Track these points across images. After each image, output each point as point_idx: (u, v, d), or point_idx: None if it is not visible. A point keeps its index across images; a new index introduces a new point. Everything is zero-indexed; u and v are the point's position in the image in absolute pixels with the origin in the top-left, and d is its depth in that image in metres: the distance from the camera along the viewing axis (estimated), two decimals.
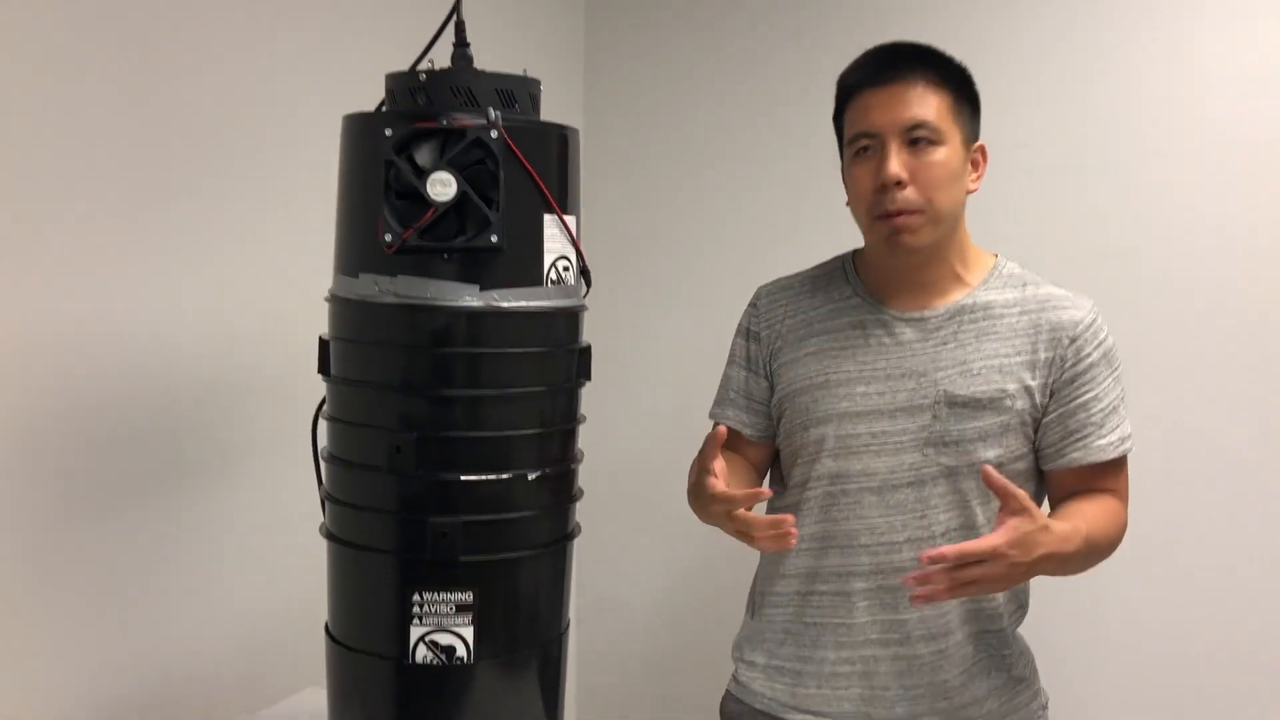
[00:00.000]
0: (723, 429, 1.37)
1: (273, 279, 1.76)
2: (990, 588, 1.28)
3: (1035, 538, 1.25)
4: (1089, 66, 2.12)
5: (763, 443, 1.60)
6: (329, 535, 1.25)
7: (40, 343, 1.44)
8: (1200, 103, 2.04)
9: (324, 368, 1.25)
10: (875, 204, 1.41)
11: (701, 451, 1.39)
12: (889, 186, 1.39)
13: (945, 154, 1.40)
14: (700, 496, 1.36)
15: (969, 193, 1.46)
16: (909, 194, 1.39)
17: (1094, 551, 1.40)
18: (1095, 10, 2.11)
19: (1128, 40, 2.09)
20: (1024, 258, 1.54)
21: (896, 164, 1.38)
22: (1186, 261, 2.06)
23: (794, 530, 1.29)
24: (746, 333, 1.61)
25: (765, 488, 1.55)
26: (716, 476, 1.32)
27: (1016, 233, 2.07)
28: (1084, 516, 1.39)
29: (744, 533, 1.33)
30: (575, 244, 1.23)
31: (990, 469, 1.27)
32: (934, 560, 1.23)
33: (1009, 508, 1.26)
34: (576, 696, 2.68)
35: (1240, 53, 2.00)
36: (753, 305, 1.63)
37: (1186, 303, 2.06)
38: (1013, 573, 1.26)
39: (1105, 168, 2.11)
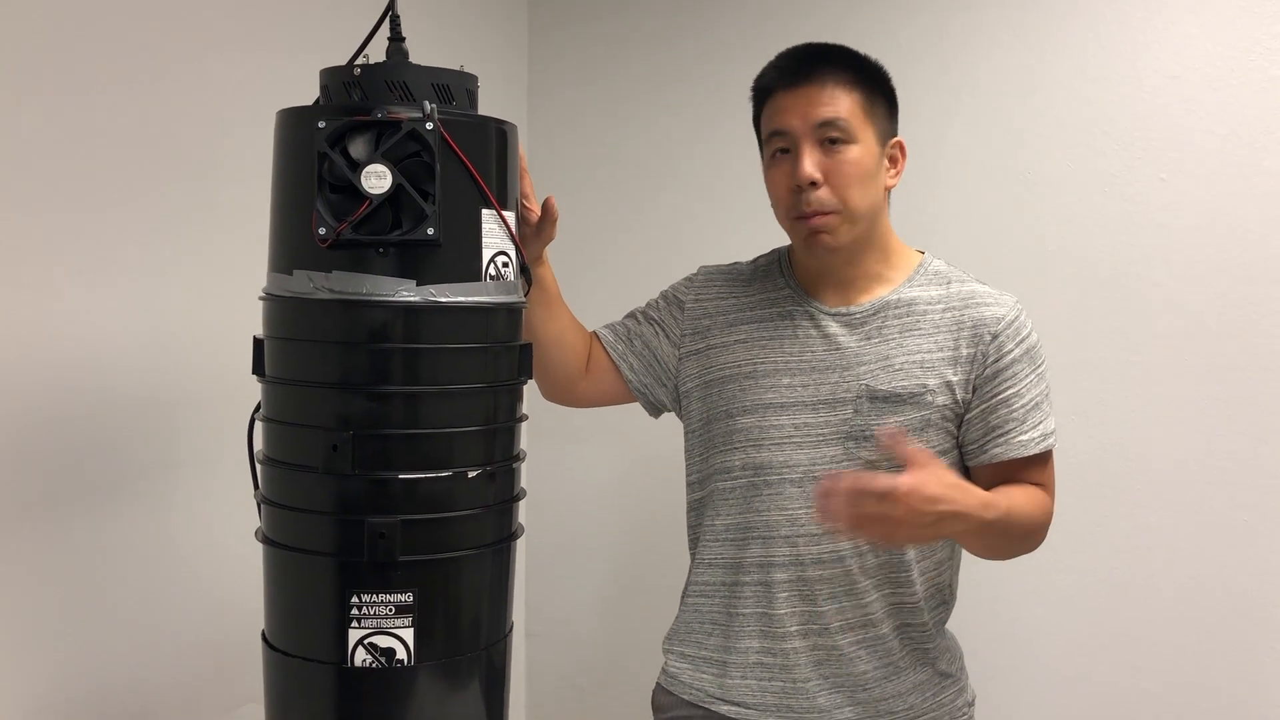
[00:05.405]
0: None
1: (207, 280, 1.72)
2: (892, 532, 1.27)
3: (937, 490, 1.25)
4: (1026, 64, 2.12)
5: (617, 381, 1.61)
6: (265, 539, 1.23)
7: None
8: (1138, 98, 2.03)
9: (259, 368, 1.22)
10: (792, 205, 1.44)
11: None
12: (804, 187, 1.41)
13: (858, 152, 1.42)
14: None
15: (888, 189, 1.48)
16: (823, 194, 1.41)
17: (1016, 534, 1.42)
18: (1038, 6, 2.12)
19: (1065, 35, 2.09)
20: (957, 256, 1.55)
21: (809, 164, 1.40)
22: (1127, 259, 2.06)
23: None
24: (673, 298, 1.62)
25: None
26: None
27: (948, 231, 2.08)
28: (1008, 495, 1.40)
29: None
30: (515, 240, 1.23)
31: (886, 432, 1.28)
32: (829, 491, 1.25)
33: (915, 464, 1.26)
34: (526, 709, 2.65)
35: (1178, 49, 2.01)
36: (689, 279, 1.64)
37: (1127, 303, 2.07)
38: (913, 519, 1.24)
39: (1042, 166, 2.11)
